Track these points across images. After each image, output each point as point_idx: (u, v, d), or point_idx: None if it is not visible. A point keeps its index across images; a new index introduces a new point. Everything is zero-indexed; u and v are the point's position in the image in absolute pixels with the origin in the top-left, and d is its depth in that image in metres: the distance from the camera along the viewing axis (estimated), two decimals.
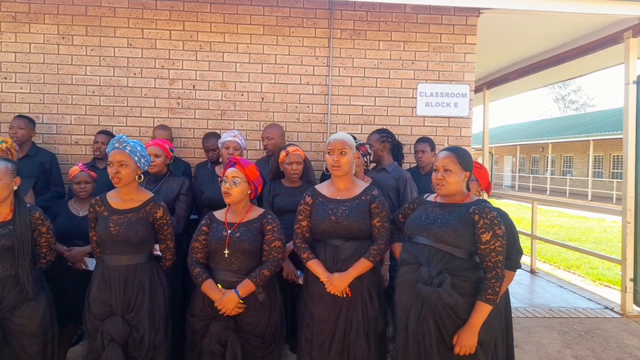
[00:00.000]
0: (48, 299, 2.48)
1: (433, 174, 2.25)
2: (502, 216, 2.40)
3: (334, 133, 4.33)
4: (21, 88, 4.12)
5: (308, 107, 4.36)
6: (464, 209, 2.18)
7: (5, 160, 2.43)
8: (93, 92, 4.18)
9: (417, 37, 4.41)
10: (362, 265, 2.40)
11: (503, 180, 32.33)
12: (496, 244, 2.10)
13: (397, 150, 3.73)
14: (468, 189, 2.31)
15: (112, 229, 2.40)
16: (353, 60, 4.38)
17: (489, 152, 9.57)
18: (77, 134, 4.18)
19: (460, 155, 2.21)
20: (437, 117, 4.45)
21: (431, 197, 2.39)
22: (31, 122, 3.81)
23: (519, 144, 29.09)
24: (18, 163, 3.05)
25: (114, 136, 3.09)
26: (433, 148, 3.98)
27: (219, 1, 4.22)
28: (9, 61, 4.11)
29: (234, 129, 4.27)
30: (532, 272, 6.65)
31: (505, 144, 30.66)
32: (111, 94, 4.19)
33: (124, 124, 4.21)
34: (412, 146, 4.24)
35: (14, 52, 4.11)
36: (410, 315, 2.17)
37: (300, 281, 3.01)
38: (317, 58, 4.35)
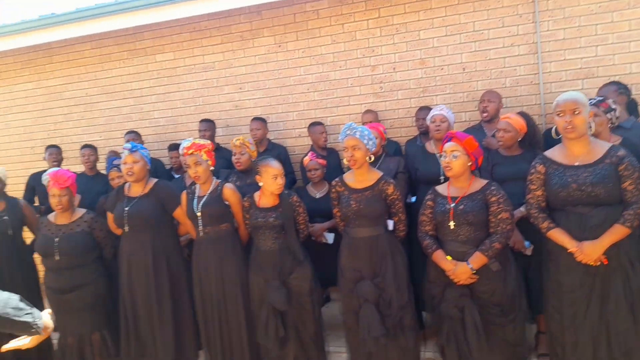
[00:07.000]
0: (311, 266, 2.98)
1: None
2: None
3: (547, 94, 4.00)
4: (253, 95, 4.92)
5: (514, 70, 4.10)
6: None
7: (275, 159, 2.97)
8: (308, 89, 4.72)
9: None
10: (617, 232, 2.19)
11: None
12: None
13: (633, 106, 3.29)
14: None
15: (353, 205, 2.73)
16: (564, 10, 3.92)
17: None
18: (300, 128, 4.79)
19: None
20: None
21: None
22: (264, 122, 4.52)
23: None
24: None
25: None
26: None
27: None
28: (241, 74, 4.94)
29: (436, 104, 4.30)
30: None
31: None
32: (322, 88, 4.67)
33: (336, 114, 4.65)
34: None
35: (244, 66, 4.92)
36: None
37: (528, 252, 2.92)
38: (520, 16, 4.04)
